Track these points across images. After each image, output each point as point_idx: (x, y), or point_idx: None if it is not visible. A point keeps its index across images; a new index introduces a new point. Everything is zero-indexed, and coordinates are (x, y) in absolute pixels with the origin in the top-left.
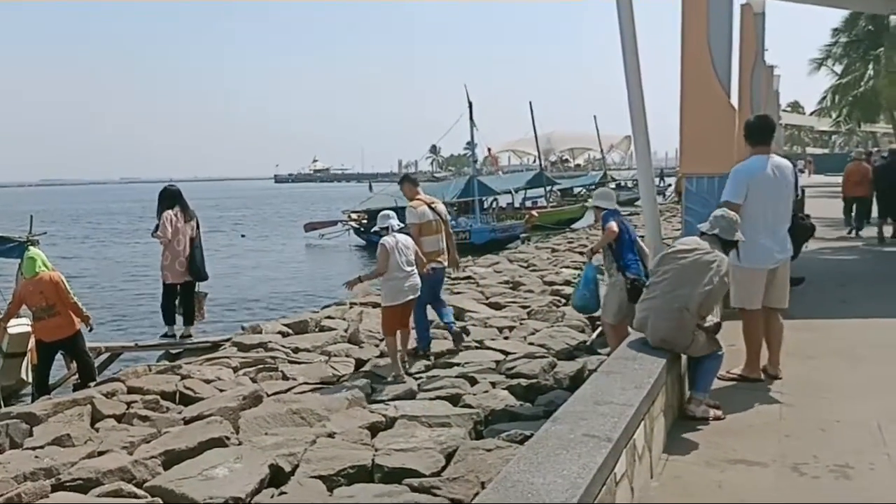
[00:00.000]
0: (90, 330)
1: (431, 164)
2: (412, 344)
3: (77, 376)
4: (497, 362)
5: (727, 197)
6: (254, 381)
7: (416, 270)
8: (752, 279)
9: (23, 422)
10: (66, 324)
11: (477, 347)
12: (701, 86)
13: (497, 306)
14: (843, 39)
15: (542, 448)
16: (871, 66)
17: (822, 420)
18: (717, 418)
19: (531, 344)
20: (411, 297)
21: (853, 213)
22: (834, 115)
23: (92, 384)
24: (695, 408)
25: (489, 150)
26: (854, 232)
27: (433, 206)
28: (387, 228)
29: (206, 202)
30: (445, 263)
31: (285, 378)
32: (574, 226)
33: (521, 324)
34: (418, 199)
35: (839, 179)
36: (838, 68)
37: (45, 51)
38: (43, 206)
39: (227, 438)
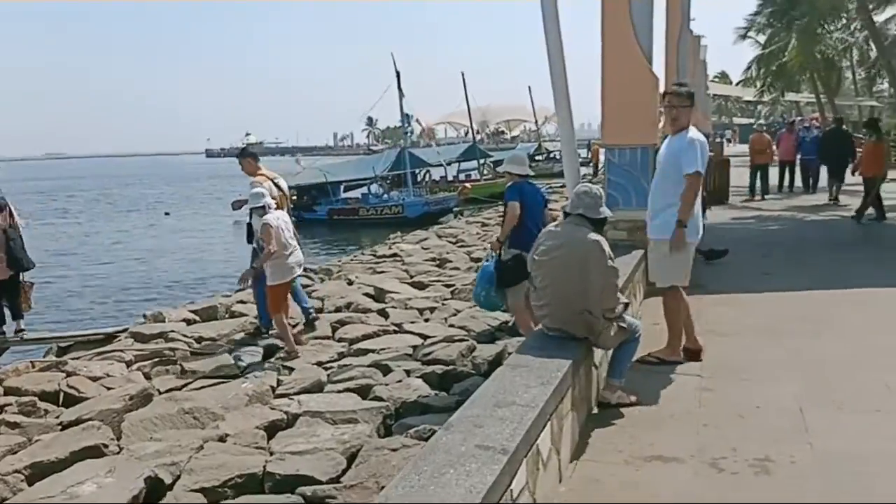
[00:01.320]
0: None
1: (368, 136)
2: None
3: None
4: (414, 347)
5: (699, 167)
6: (147, 377)
7: (297, 245)
8: (689, 254)
9: None
10: None
11: (395, 331)
12: (622, 53)
13: (420, 286)
14: (767, 10)
15: (427, 466)
16: (793, 36)
17: (741, 405)
18: (633, 404)
19: (451, 326)
20: (298, 272)
21: (758, 180)
22: (758, 85)
23: None
24: (610, 394)
25: (420, 123)
26: (761, 196)
27: (276, 181)
28: (263, 207)
29: (132, 178)
30: None
31: (183, 372)
32: None
33: (443, 304)
34: (261, 175)
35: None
36: (762, 38)
37: None
38: None
39: (105, 446)
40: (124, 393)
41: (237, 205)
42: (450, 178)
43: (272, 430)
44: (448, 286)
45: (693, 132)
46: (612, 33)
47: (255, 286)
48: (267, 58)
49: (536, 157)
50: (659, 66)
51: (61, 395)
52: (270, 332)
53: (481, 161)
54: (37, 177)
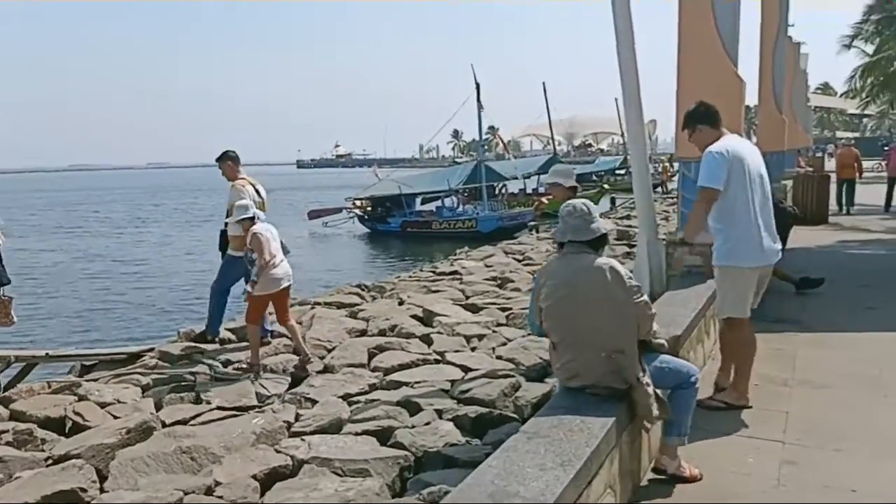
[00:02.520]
0: None
1: (453, 148)
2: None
3: None
4: (452, 382)
5: (706, 181)
6: (158, 405)
7: (284, 257)
8: (744, 281)
9: None
10: None
11: (436, 361)
12: (700, 50)
13: (474, 308)
14: (875, 17)
15: None
16: None
17: (832, 488)
18: (693, 479)
19: (499, 358)
20: (286, 284)
21: (844, 194)
22: (863, 97)
23: None
24: (668, 461)
25: (499, 137)
26: (846, 211)
27: (255, 186)
28: (252, 218)
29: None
30: None
31: (198, 401)
32: None
33: (493, 331)
34: (242, 179)
35: (868, 164)
36: (869, 49)
37: (69, 36)
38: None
39: (84, 491)
40: (122, 426)
41: (313, 214)
42: (528, 191)
43: (271, 478)
44: (504, 310)
45: (717, 144)
46: (690, 26)
47: (215, 296)
48: (358, 67)
49: (618, 172)
50: (751, 74)
51: (66, 421)
52: (216, 339)
53: None
54: (138, 185)
